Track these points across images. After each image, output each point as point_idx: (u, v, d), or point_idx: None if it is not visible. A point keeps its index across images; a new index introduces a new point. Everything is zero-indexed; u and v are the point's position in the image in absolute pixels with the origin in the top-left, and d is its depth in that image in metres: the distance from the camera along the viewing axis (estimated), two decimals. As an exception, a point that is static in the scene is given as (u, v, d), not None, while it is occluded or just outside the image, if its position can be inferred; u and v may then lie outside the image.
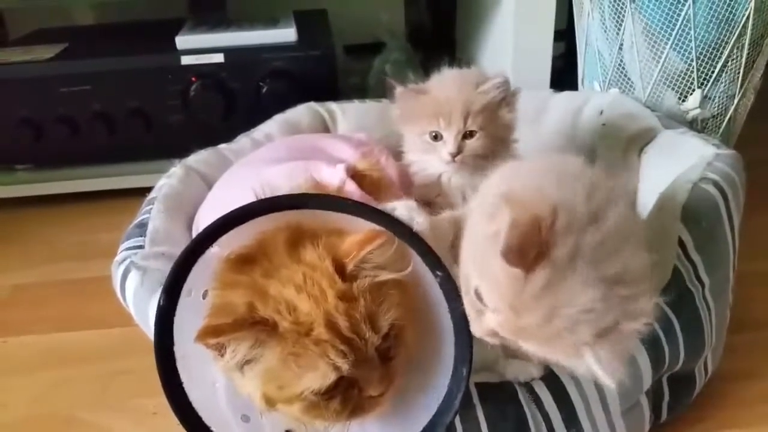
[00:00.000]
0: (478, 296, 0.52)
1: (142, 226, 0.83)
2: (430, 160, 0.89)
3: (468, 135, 0.85)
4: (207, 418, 0.54)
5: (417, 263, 0.55)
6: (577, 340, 0.49)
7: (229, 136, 1.08)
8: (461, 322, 0.54)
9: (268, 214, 0.54)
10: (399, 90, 0.88)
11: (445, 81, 0.89)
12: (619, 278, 0.49)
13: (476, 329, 0.54)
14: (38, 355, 0.96)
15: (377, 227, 0.53)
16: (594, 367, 0.49)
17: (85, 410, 0.84)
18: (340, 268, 0.53)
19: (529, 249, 0.47)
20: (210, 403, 0.55)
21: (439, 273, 0.53)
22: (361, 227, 0.54)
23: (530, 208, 0.48)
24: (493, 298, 0.51)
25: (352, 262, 0.53)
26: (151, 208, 0.86)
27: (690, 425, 0.76)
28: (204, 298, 0.55)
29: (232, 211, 0.52)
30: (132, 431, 0.80)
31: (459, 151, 0.85)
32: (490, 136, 0.86)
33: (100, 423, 0.82)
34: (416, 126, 0.88)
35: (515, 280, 0.48)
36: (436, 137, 0.86)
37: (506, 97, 0.87)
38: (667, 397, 0.73)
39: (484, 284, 0.52)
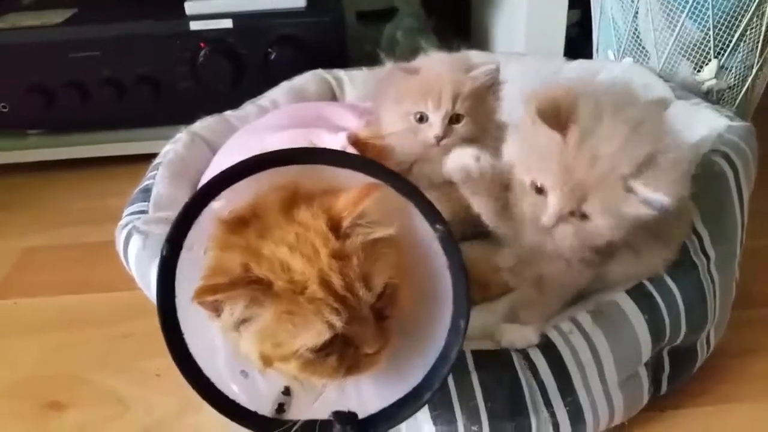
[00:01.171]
0: (535, 187, 0.61)
1: (147, 191, 0.83)
2: (410, 143, 0.85)
3: (454, 119, 0.83)
4: (208, 371, 0.55)
5: (415, 220, 0.54)
6: (623, 176, 0.57)
7: (237, 103, 1.08)
8: (460, 274, 0.53)
9: (268, 171, 0.53)
10: (388, 66, 0.85)
11: (435, 62, 0.86)
12: (641, 120, 0.59)
13: (545, 220, 0.61)
14: (47, 316, 0.98)
15: (372, 180, 0.53)
16: (644, 191, 0.56)
17: (90, 371, 0.86)
18: (335, 226, 0.53)
19: (557, 110, 0.58)
20: (210, 357, 0.56)
21: (438, 227, 0.53)
22: (359, 184, 0.53)
23: (547, 90, 0.62)
24: (545, 169, 0.60)
25: (347, 218, 0.53)
26: (155, 174, 0.87)
27: (690, 398, 0.75)
28: (205, 254, 0.55)
29: (231, 167, 0.52)
30: (136, 392, 0.81)
31: (444, 135, 0.83)
32: (475, 123, 0.84)
33: (105, 384, 0.83)
34: (401, 106, 0.84)
35: (556, 144, 0.58)
36: (422, 119, 0.84)
37: (494, 85, 0.85)
38: (667, 370, 0.73)
39: (535, 168, 0.61)
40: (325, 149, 0.56)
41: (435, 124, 0.82)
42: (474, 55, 1.15)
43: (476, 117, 0.84)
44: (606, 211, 0.59)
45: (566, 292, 0.69)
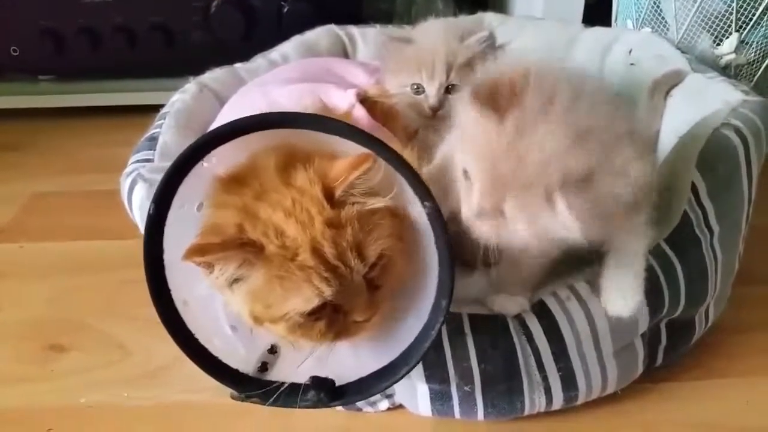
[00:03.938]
0: (466, 175, 0.55)
1: (153, 140, 0.83)
2: (410, 113, 0.85)
3: (450, 89, 0.82)
4: (192, 325, 0.56)
5: (406, 192, 0.54)
6: (549, 185, 0.51)
7: (248, 56, 1.07)
8: (445, 253, 0.53)
9: (261, 132, 0.53)
10: (383, 38, 0.85)
11: (429, 32, 0.85)
12: (593, 132, 0.52)
13: (465, 210, 0.56)
14: (52, 261, 0.99)
15: (367, 150, 0.52)
16: (564, 212, 0.50)
17: (93, 316, 0.87)
18: (329, 194, 0.53)
19: (500, 92, 0.52)
20: (196, 312, 0.57)
21: (427, 203, 0.52)
22: (354, 150, 0.53)
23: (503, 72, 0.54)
24: (472, 157, 0.54)
25: (340, 187, 0.53)
26: (162, 123, 0.86)
27: (684, 372, 0.75)
28: (198, 210, 0.56)
29: (222, 126, 0.52)
30: (137, 338, 0.82)
31: (440, 105, 0.82)
32: None
33: (108, 329, 0.85)
34: (397, 77, 0.84)
35: (490, 128, 0.52)
36: (418, 90, 0.83)
37: (489, 52, 0.85)
38: (664, 342, 0.73)
39: (466, 152, 0.55)
40: (314, 115, 0.55)
41: (430, 96, 0.82)
42: (489, 18, 1.13)
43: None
44: (523, 218, 0.53)
45: (543, 264, 0.66)
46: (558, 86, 0.54)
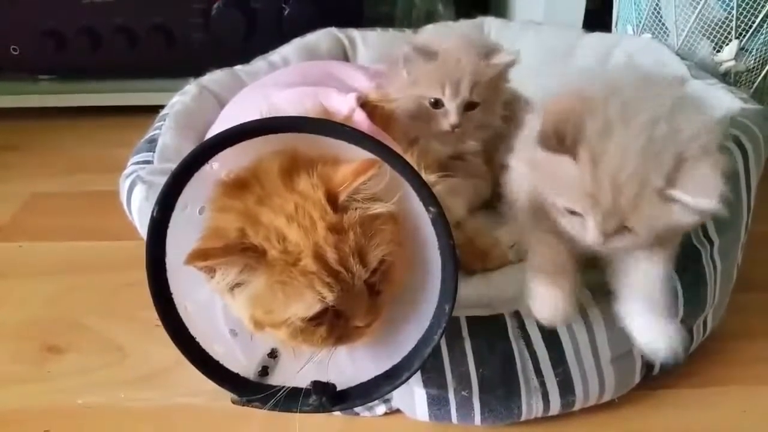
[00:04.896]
0: (569, 210, 0.56)
1: (152, 142, 0.83)
2: (422, 125, 0.85)
3: (470, 106, 0.82)
4: (195, 330, 0.55)
5: (411, 198, 0.54)
6: (655, 189, 0.52)
7: (248, 58, 1.08)
8: (449, 258, 0.53)
9: (266, 136, 0.53)
10: (406, 51, 0.83)
11: (454, 46, 0.84)
12: (656, 118, 0.53)
13: (591, 242, 0.56)
14: (51, 261, 0.99)
15: (372, 156, 0.52)
16: (686, 198, 0.51)
17: (91, 317, 0.86)
18: (332, 199, 0.53)
19: (561, 131, 0.52)
20: (203, 315, 0.57)
21: (431, 209, 0.52)
22: (358, 156, 0.53)
23: (556, 105, 0.55)
24: (571, 197, 0.55)
25: (344, 192, 0.52)
26: (162, 124, 0.86)
27: (682, 379, 0.75)
28: (200, 213, 0.56)
29: (227, 129, 0.52)
30: (133, 340, 0.82)
31: (460, 123, 0.82)
32: (488, 108, 0.83)
33: (105, 331, 0.84)
34: (415, 89, 0.83)
35: (571, 170, 0.53)
36: (437, 104, 0.83)
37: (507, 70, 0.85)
38: (662, 351, 0.73)
39: (561, 194, 0.56)
40: (323, 120, 0.55)
41: (451, 113, 0.82)
42: (490, 22, 1.14)
43: (490, 102, 0.83)
44: (651, 227, 0.54)
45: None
46: (608, 101, 0.54)
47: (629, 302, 0.62)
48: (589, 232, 0.55)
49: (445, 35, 0.91)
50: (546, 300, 0.61)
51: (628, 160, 0.52)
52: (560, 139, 0.53)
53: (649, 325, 0.62)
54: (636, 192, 0.52)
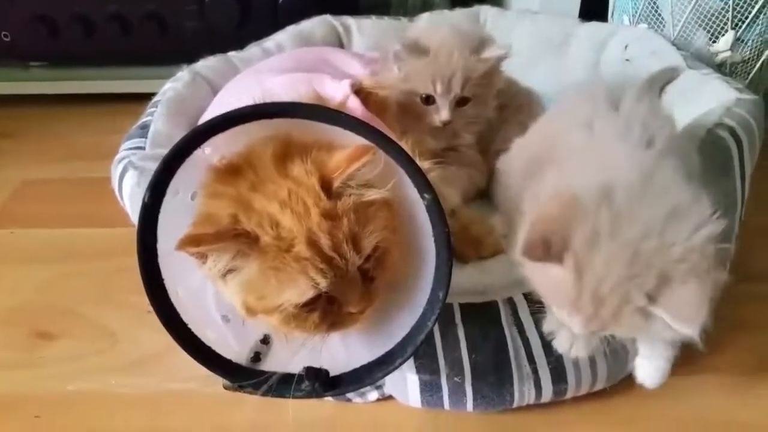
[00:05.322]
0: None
1: (144, 128, 0.83)
2: (414, 120, 0.85)
3: (461, 102, 0.82)
4: (187, 315, 0.55)
5: (406, 185, 0.54)
6: (636, 305, 0.51)
7: (242, 45, 1.07)
8: (443, 245, 0.53)
9: (259, 121, 0.52)
10: (397, 48, 0.82)
11: (445, 42, 0.83)
12: (646, 233, 0.52)
13: (576, 331, 0.56)
14: (42, 247, 0.99)
15: (366, 142, 0.52)
16: (667, 319, 0.50)
17: (82, 304, 0.86)
18: (326, 185, 0.53)
19: (550, 242, 0.52)
20: (194, 301, 0.56)
21: (426, 195, 0.52)
22: (352, 142, 0.53)
23: (546, 213, 0.54)
24: (557, 300, 0.56)
25: (338, 179, 0.52)
26: (154, 111, 0.86)
27: (675, 367, 0.74)
28: (192, 199, 0.55)
29: (220, 115, 0.51)
30: (126, 326, 0.82)
31: (452, 119, 0.82)
32: (482, 103, 0.83)
33: (96, 317, 0.84)
34: (406, 84, 0.83)
35: (558, 274, 0.52)
36: (428, 100, 0.82)
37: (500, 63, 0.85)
38: (652, 339, 0.73)
39: (549, 295, 0.57)
40: (317, 105, 0.55)
41: (443, 109, 0.82)
42: (486, 11, 1.13)
43: (482, 97, 0.83)
44: (632, 334, 0.56)
45: None
46: (600, 210, 0.53)
47: None
48: (574, 326, 0.55)
49: (437, 29, 0.90)
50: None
51: (611, 274, 0.51)
52: (546, 248, 0.52)
53: (642, 363, 0.64)
54: (617, 305, 0.52)
